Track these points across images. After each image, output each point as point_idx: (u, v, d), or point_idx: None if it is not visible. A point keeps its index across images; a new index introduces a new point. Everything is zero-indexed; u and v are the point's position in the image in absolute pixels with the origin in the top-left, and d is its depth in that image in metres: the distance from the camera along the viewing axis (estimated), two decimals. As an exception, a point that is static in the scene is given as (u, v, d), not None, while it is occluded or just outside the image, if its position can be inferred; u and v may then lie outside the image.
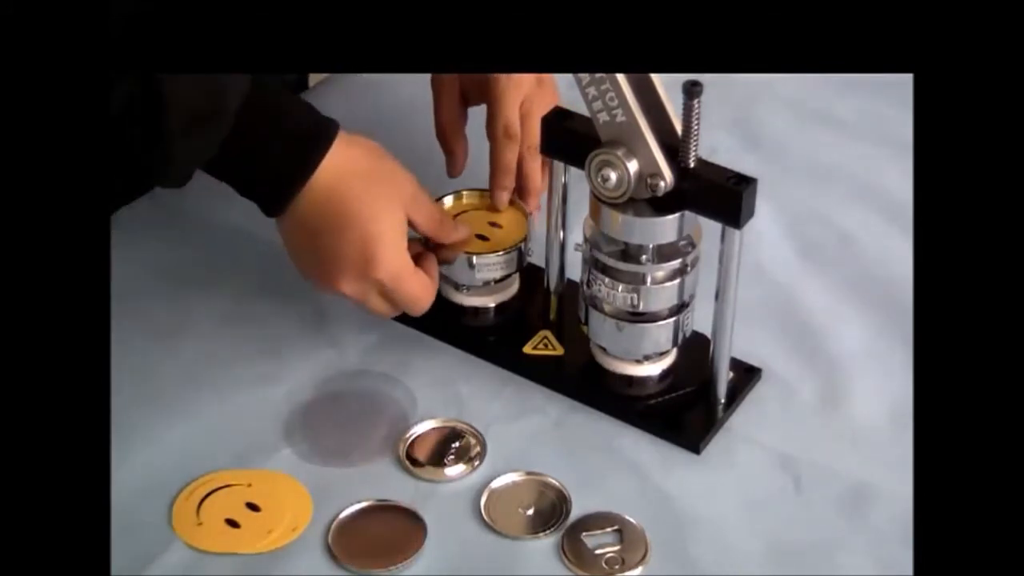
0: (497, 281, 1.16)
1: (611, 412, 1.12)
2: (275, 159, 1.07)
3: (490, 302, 1.18)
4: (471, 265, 1.15)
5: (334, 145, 1.07)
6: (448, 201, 1.19)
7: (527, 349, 1.15)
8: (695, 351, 1.13)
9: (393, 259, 1.09)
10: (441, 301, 1.17)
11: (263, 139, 1.06)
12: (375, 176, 1.09)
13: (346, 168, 1.08)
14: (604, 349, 1.13)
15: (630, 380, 1.13)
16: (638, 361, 1.12)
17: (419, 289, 1.11)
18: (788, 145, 1.36)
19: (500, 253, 1.15)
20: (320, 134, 1.08)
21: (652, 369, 1.13)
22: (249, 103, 1.05)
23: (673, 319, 1.10)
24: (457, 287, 1.17)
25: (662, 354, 1.12)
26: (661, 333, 1.10)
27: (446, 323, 1.18)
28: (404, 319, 1.17)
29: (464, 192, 1.20)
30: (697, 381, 1.12)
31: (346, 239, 1.08)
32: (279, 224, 1.10)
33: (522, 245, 1.16)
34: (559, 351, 1.15)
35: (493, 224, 1.18)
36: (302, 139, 1.07)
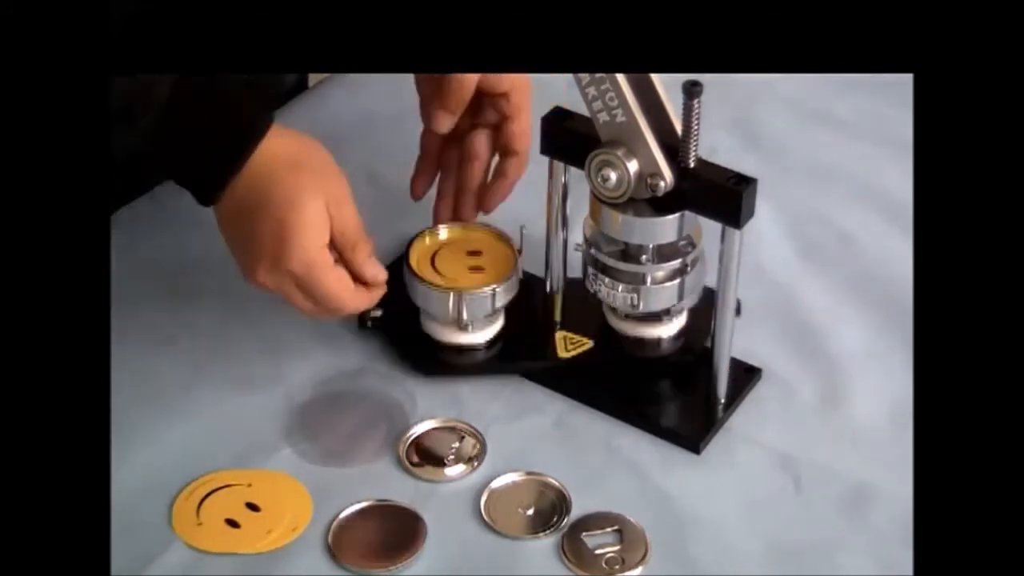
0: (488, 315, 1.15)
1: (611, 412, 1.12)
2: (207, 150, 1.06)
3: (489, 334, 1.16)
4: (462, 307, 1.13)
5: (266, 137, 1.06)
6: (442, 232, 1.17)
7: (563, 354, 1.14)
8: (695, 351, 1.13)
9: (307, 249, 1.06)
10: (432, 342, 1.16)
11: (195, 130, 1.05)
12: (302, 167, 1.07)
13: (273, 158, 1.06)
14: (614, 311, 1.13)
15: (631, 379, 1.13)
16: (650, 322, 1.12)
17: (336, 285, 1.08)
18: (788, 145, 1.36)
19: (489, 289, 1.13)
20: (252, 126, 1.06)
21: (668, 329, 1.13)
22: (181, 94, 1.04)
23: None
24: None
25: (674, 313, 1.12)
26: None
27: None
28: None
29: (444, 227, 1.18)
30: (697, 380, 1.12)
31: (262, 226, 1.06)
32: (215, 214, 1.09)
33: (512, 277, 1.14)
34: (588, 343, 1.15)
35: (474, 269, 1.15)
36: (234, 130, 1.06)
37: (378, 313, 1.14)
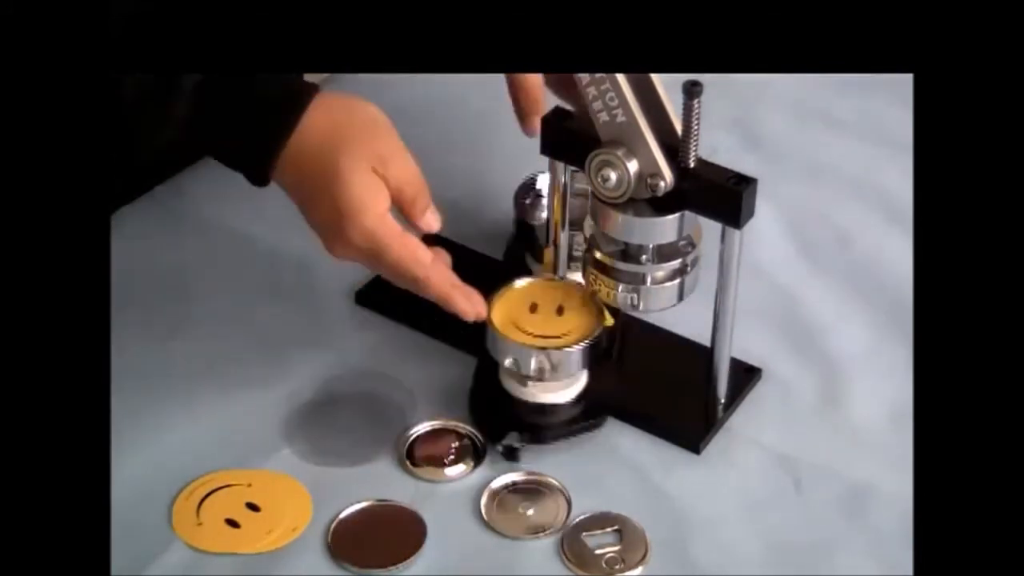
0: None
1: (611, 412, 1.12)
2: (250, 125, 1.03)
3: (570, 394, 1.12)
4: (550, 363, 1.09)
5: (306, 112, 1.03)
6: (516, 285, 1.12)
7: (609, 321, 1.12)
8: (694, 351, 1.13)
9: (364, 222, 1.02)
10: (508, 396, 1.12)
11: (235, 107, 1.03)
12: (344, 133, 1.03)
13: (315, 130, 1.03)
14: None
15: (630, 379, 1.13)
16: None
17: (403, 252, 1.04)
18: (788, 145, 1.36)
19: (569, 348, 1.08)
20: (297, 95, 1.04)
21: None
22: (213, 80, 1.02)
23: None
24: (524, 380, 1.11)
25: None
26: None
27: (446, 323, 1.17)
28: (404, 319, 1.17)
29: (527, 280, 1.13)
30: (697, 381, 1.12)
31: (320, 206, 1.04)
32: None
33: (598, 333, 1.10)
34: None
35: (559, 310, 1.11)
36: (277, 101, 1.03)
37: (515, 445, 1.09)
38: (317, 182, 1.03)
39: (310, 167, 1.04)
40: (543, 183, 1.17)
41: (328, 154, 1.03)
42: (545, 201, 1.18)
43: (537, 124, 1.12)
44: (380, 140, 1.05)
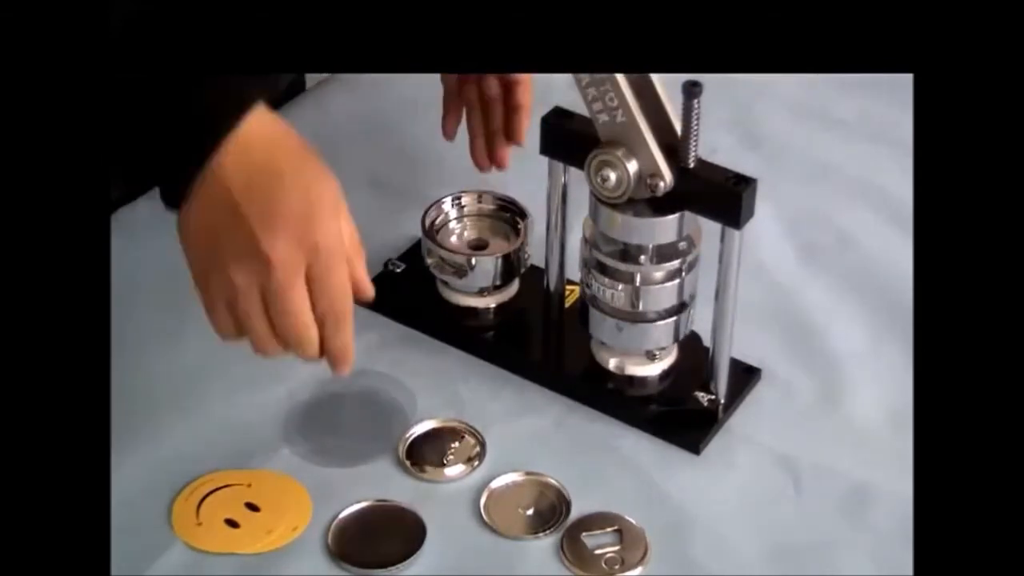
0: (496, 287, 1.16)
1: (611, 412, 1.12)
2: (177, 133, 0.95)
3: (491, 303, 1.18)
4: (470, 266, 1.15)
5: (250, 117, 0.95)
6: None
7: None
8: (695, 351, 1.13)
9: (334, 227, 0.95)
10: (441, 301, 1.17)
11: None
12: (308, 155, 0.96)
13: (274, 133, 0.95)
14: (604, 345, 1.13)
15: (630, 380, 1.13)
16: (638, 362, 1.12)
17: (346, 279, 0.96)
18: (788, 145, 1.36)
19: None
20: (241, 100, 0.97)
21: (652, 369, 1.13)
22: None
23: (673, 318, 1.10)
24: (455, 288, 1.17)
25: (662, 349, 1.12)
26: (661, 332, 1.10)
27: (446, 323, 1.18)
28: (404, 319, 1.17)
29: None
30: (697, 381, 1.12)
31: (287, 195, 0.94)
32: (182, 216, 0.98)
33: (521, 252, 1.17)
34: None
35: None
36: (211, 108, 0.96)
37: None
38: (282, 176, 0.95)
39: (270, 157, 0.95)
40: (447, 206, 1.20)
41: (299, 157, 0.96)
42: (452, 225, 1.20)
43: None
44: (336, 185, 0.97)
